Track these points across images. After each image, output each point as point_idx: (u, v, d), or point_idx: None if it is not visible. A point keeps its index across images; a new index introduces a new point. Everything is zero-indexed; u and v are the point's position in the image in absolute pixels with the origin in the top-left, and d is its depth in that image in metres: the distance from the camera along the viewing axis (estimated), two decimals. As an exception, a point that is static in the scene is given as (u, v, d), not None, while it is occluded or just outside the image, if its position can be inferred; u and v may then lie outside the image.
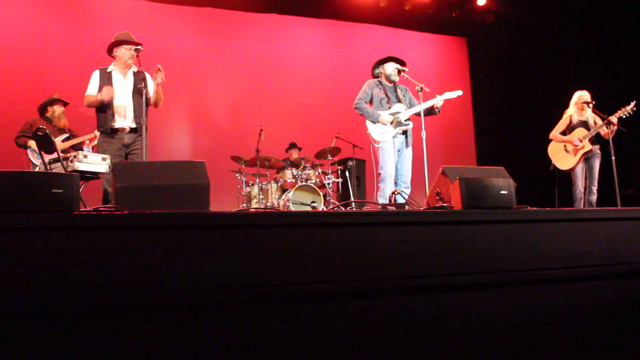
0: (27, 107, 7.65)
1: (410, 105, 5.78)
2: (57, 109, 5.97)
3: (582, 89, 6.58)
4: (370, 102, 5.83)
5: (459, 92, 5.73)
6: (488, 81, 10.39)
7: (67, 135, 5.80)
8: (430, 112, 5.65)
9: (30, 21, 8.12)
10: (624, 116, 6.10)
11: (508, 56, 10.15)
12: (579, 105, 6.42)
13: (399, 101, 5.75)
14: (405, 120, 5.65)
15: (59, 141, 5.60)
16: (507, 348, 2.68)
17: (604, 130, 6.20)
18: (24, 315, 2.01)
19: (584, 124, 6.38)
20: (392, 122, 5.62)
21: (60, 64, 8.16)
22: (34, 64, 8.05)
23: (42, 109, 6.00)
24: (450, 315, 2.61)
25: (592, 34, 9.03)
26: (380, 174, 5.69)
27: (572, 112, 6.50)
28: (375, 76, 5.99)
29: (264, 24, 9.67)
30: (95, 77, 5.09)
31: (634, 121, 6.29)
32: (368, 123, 5.77)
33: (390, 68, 5.81)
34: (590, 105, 6.31)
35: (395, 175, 5.68)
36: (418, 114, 5.54)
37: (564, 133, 6.49)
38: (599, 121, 6.30)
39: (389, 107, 5.71)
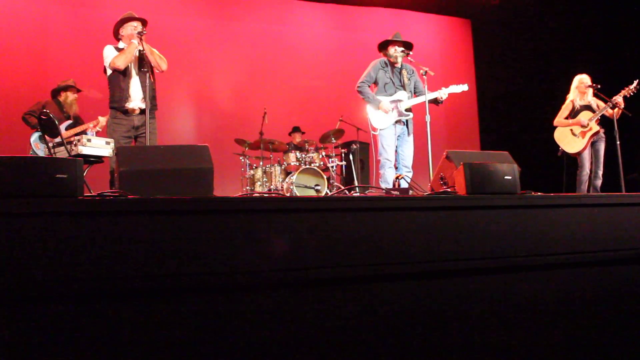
0: (30, 89, 7.66)
1: (415, 90, 5.74)
2: (70, 96, 5.94)
3: (587, 72, 6.53)
4: (375, 83, 5.75)
5: (465, 87, 5.63)
6: (492, 64, 10.31)
7: (70, 122, 5.78)
8: (433, 101, 5.54)
9: (33, 2, 8.07)
10: (628, 95, 6.08)
11: (513, 39, 10.06)
12: (581, 89, 6.39)
13: (403, 87, 5.68)
14: (405, 110, 5.59)
15: (62, 128, 5.60)
16: (511, 333, 2.69)
17: (608, 111, 6.18)
18: (27, 300, 2.02)
19: (588, 107, 6.34)
20: (392, 110, 5.57)
21: (64, 45, 8.12)
22: (37, 46, 8.01)
23: (56, 93, 5.98)
24: (453, 301, 2.62)
25: (598, 18, 8.96)
26: (379, 160, 5.66)
27: (573, 97, 6.47)
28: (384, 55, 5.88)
29: (268, 6, 9.60)
30: (110, 49, 5.05)
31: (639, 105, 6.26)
32: (369, 108, 5.71)
33: (393, 51, 5.70)
34: (595, 88, 6.28)
35: (396, 160, 5.65)
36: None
37: (567, 118, 6.46)
38: (602, 104, 6.27)
39: (392, 94, 5.65)
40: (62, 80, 6.04)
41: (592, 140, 6.25)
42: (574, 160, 6.42)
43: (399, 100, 5.61)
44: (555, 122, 6.51)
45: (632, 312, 2.96)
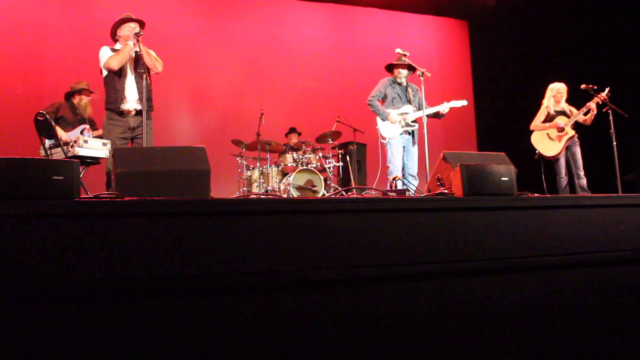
0: (27, 89, 7.66)
1: (420, 107, 6.17)
2: (84, 99, 5.90)
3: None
4: (384, 99, 6.31)
5: (464, 102, 6.25)
6: (490, 65, 10.32)
7: (85, 126, 5.76)
8: (435, 115, 6.14)
9: (30, 2, 8.06)
10: (600, 102, 6.20)
11: (510, 40, 10.06)
12: (557, 98, 6.58)
13: (409, 102, 6.23)
14: (412, 122, 6.13)
15: (77, 132, 5.58)
16: (508, 334, 2.69)
17: (581, 117, 6.32)
18: (24, 301, 2.02)
19: (563, 113, 6.50)
20: (399, 122, 6.11)
21: (60, 45, 8.12)
22: (34, 46, 8.00)
23: (70, 95, 5.95)
24: (451, 302, 2.62)
25: (596, 19, 8.96)
26: (388, 167, 6.15)
27: (548, 104, 6.63)
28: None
29: (265, 6, 9.61)
30: (106, 49, 5.03)
31: (636, 106, 6.28)
32: (378, 119, 6.25)
33: (397, 73, 6.28)
34: (591, 90, 6.35)
35: (403, 169, 6.16)
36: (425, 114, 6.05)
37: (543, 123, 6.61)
38: (575, 110, 6.44)
39: (399, 107, 6.18)
40: (76, 83, 6.00)
41: (567, 144, 6.38)
42: (550, 163, 6.54)
43: (406, 113, 6.14)
44: (532, 126, 6.68)
45: (629, 312, 2.96)
